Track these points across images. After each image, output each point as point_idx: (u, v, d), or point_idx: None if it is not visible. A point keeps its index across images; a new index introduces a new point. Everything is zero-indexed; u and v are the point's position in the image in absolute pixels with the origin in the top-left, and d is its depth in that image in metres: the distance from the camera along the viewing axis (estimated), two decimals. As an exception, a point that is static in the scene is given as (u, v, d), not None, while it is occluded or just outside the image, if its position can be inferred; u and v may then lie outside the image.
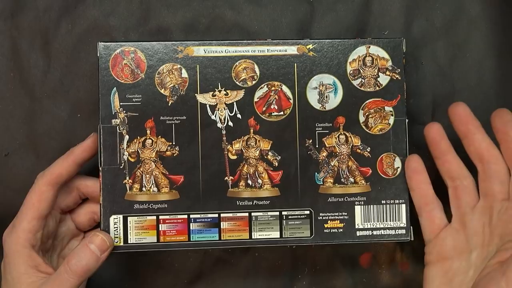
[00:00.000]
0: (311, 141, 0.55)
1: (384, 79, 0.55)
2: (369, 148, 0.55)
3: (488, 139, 0.52)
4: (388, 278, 0.60)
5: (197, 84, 0.54)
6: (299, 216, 0.55)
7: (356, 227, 0.55)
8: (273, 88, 0.55)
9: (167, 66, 0.54)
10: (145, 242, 0.54)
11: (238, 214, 0.54)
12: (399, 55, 0.55)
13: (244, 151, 0.54)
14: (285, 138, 0.54)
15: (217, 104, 0.54)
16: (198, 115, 0.54)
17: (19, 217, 0.51)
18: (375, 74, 0.55)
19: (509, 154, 0.50)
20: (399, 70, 0.55)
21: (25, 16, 0.58)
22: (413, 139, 0.58)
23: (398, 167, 0.55)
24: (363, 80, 0.55)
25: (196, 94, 0.54)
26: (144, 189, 0.54)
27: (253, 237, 0.54)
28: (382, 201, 0.55)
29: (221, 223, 0.54)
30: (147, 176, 0.54)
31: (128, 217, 0.53)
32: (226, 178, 0.54)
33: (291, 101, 0.55)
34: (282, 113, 0.55)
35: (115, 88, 0.53)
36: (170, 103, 0.54)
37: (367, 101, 0.55)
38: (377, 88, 0.55)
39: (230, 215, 0.54)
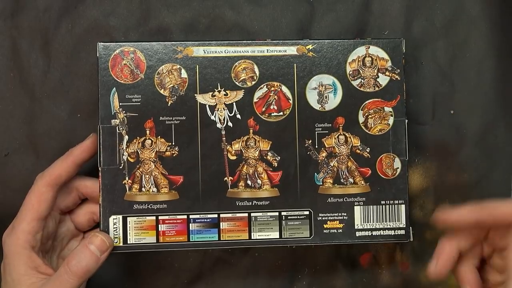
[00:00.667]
0: (310, 141, 0.55)
1: (383, 80, 0.55)
2: (368, 148, 0.55)
3: None
4: (388, 278, 0.60)
5: (196, 85, 0.54)
6: (298, 217, 0.55)
7: (356, 227, 0.55)
8: (272, 89, 0.55)
9: (167, 67, 0.54)
10: (145, 242, 0.54)
11: (238, 215, 0.54)
12: (398, 56, 0.55)
13: (243, 151, 0.54)
14: (284, 138, 0.54)
15: (216, 104, 0.54)
16: (197, 116, 0.54)
17: (18, 218, 0.51)
18: (375, 74, 0.55)
19: None
20: (399, 70, 0.55)
21: (25, 16, 0.58)
22: (412, 139, 0.58)
23: (398, 168, 0.55)
24: (362, 81, 0.55)
25: (195, 95, 0.54)
26: (143, 189, 0.54)
27: (252, 238, 0.54)
28: (382, 202, 0.55)
29: (221, 223, 0.54)
30: (147, 176, 0.54)
31: (128, 218, 0.54)
32: (226, 178, 0.54)
33: (291, 101, 0.55)
34: (281, 113, 0.55)
35: (114, 88, 0.53)
36: (169, 103, 0.54)
37: (366, 102, 0.55)
38: (377, 89, 0.55)
39: (230, 215, 0.54)
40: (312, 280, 0.60)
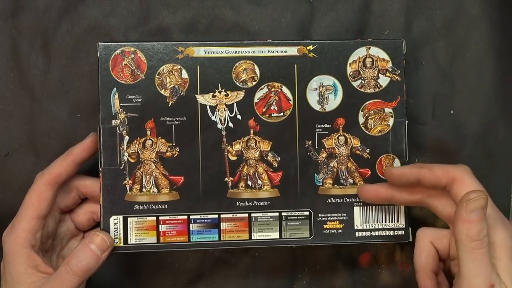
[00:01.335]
0: (310, 142, 0.55)
1: (384, 81, 0.55)
2: (368, 149, 0.55)
3: None
4: (387, 278, 0.60)
5: (197, 85, 0.54)
6: (298, 217, 0.55)
7: (355, 228, 0.55)
8: (273, 89, 0.55)
9: (167, 67, 0.54)
10: (145, 242, 0.54)
11: (238, 215, 0.54)
12: (399, 57, 0.55)
13: (244, 152, 0.55)
14: (285, 139, 0.55)
15: (217, 105, 0.54)
16: (198, 116, 0.54)
17: (18, 217, 0.52)
18: (375, 75, 0.55)
19: None
20: (399, 71, 0.55)
21: (25, 16, 0.58)
22: (412, 139, 0.58)
23: (398, 168, 0.55)
24: (363, 81, 0.55)
25: (196, 95, 0.54)
26: (144, 189, 0.54)
27: (252, 238, 0.54)
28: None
29: (221, 223, 0.54)
30: (147, 176, 0.54)
31: (128, 218, 0.54)
32: (226, 179, 0.54)
33: (291, 102, 0.55)
34: (282, 114, 0.55)
35: (115, 88, 0.53)
36: (170, 103, 0.54)
37: (366, 103, 0.55)
38: (377, 90, 0.55)
39: (230, 215, 0.54)
40: (312, 280, 0.60)
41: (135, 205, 0.54)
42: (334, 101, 0.55)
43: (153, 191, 0.54)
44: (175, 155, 0.54)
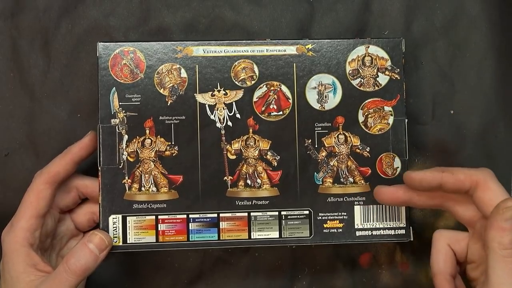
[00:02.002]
0: (310, 141, 0.55)
1: (383, 79, 0.55)
2: (368, 148, 0.55)
3: None
4: (388, 278, 0.60)
5: (196, 84, 0.54)
6: (298, 216, 0.55)
7: (356, 227, 0.55)
8: (272, 88, 0.55)
9: (166, 66, 0.54)
10: (144, 242, 0.54)
11: (237, 214, 0.54)
12: (398, 55, 0.55)
13: (243, 151, 0.54)
14: (284, 138, 0.54)
15: (216, 104, 0.54)
16: (197, 115, 0.54)
17: (17, 215, 0.52)
18: (374, 74, 0.55)
19: None
20: (398, 70, 0.55)
21: (25, 16, 0.58)
22: (412, 139, 0.58)
23: (398, 167, 0.55)
24: (362, 80, 0.55)
25: (195, 94, 0.54)
26: (143, 189, 0.54)
27: (252, 237, 0.54)
28: (386, 205, 0.55)
29: (220, 223, 0.54)
30: (146, 176, 0.54)
31: (127, 217, 0.54)
32: (225, 178, 0.54)
33: (290, 101, 0.55)
34: (281, 113, 0.55)
35: (114, 88, 0.54)
36: (169, 103, 0.54)
37: (366, 101, 0.55)
38: (376, 88, 0.55)
39: (229, 215, 0.54)
40: (312, 280, 0.60)
41: (134, 204, 0.54)
42: (333, 100, 0.55)
43: (152, 190, 0.54)
44: (174, 154, 0.54)
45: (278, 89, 0.54)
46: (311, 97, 0.55)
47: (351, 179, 0.55)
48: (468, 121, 0.60)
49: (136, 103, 0.54)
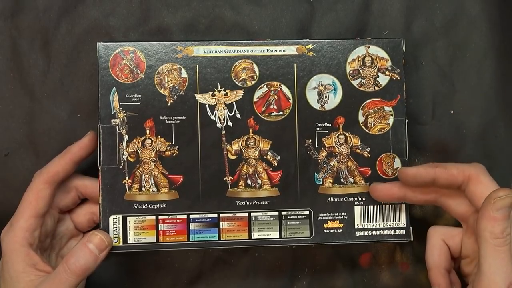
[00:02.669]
0: (310, 141, 0.55)
1: (383, 79, 0.55)
2: (368, 148, 0.55)
3: None
4: (388, 278, 0.60)
5: (196, 84, 0.54)
6: (298, 216, 0.55)
7: (356, 227, 0.55)
8: (272, 88, 0.55)
9: (167, 66, 0.54)
10: (144, 242, 0.54)
11: (238, 214, 0.54)
12: (398, 55, 0.55)
13: (243, 151, 0.54)
14: (284, 138, 0.54)
15: (216, 104, 0.54)
16: (197, 115, 0.54)
17: (16, 215, 0.52)
18: (375, 74, 0.55)
19: None
20: (399, 70, 0.55)
21: (25, 16, 0.58)
22: (412, 139, 0.58)
23: (398, 167, 0.55)
24: (362, 80, 0.55)
25: (195, 94, 0.54)
26: (143, 189, 0.54)
27: (252, 237, 0.54)
28: (382, 202, 0.55)
29: (221, 223, 0.54)
30: (147, 176, 0.54)
31: (128, 217, 0.53)
32: (226, 178, 0.54)
33: (291, 101, 0.55)
34: (281, 113, 0.55)
35: (114, 88, 0.53)
36: (169, 103, 0.54)
37: (366, 101, 0.55)
38: (377, 88, 0.55)
39: (230, 215, 0.54)
40: (312, 280, 0.60)
41: (134, 204, 0.54)
42: (333, 100, 0.55)
43: (152, 190, 0.54)
44: (174, 154, 0.54)
45: (279, 89, 0.54)
46: (312, 97, 0.55)
47: (351, 179, 0.55)
48: (468, 121, 0.60)
49: (137, 103, 0.54)
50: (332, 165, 0.55)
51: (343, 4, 0.60)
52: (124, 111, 0.53)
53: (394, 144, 0.55)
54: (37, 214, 0.51)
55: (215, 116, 0.54)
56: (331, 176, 0.55)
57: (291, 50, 0.55)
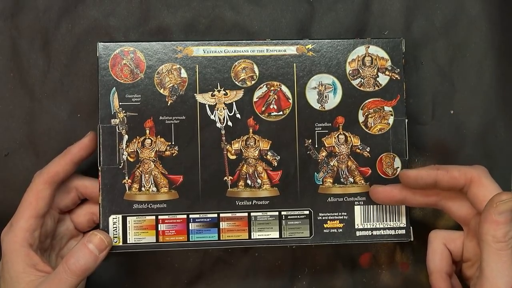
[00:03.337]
0: (310, 141, 0.55)
1: (383, 79, 0.55)
2: (368, 148, 0.55)
3: None
4: (388, 278, 0.60)
5: (196, 84, 0.54)
6: (298, 216, 0.55)
7: (356, 227, 0.55)
8: (272, 88, 0.55)
9: (166, 66, 0.54)
10: (144, 242, 0.54)
11: (238, 214, 0.54)
12: (398, 55, 0.55)
13: (243, 151, 0.54)
14: (284, 138, 0.54)
15: (216, 104, 0.54)
16: (197, 115, 0.54)
17: (16, 215, 0.52)
18: (375, 74, 0.55)
19: None
20: (399, 70, 0.55)
21: (25, 16, 0.58)
22: (412, 139, 0.58)
23: (398, 167, 0.55)
24: (362, 80, 0.55)
25: (195, 94, 0.54)
26: (143, 189, 0.54)
27: (252, 237, 0.54)
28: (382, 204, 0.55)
29: (221, 223, 0.54)
30: (146, 176, 0.54)
31: (127, 217, 0.53)
32: (226, 178, 0.54)
33: (290, 101, 0.55)
34: (281, 113, 0.55)
35: (114, 88, 0.53)
36: (169, 103, 0.54)
37: (366, 101, 0.55)
38: (377, 88, 0.55)
39: (230, 215, 0.54)
40: (312, 280, 0.60)
41: (134, 204, 0.54)
42: (333, 100, 0.55)
43: (152, 190, 0.54)
44: (174, 154, 0.54)
45: (278, 89, 0.54)
46: (311, 97, 0.55)
47: (351, 179, 0.55)
48: (468, 121, 0.60)
49: (136, 103, 0.54)
50: (332, 165, 0.55)
51: (343, 4, 0.60)
52: (124, 111, 0.53)
53: (394, 144, 0.55)
54: (37, 215, 0.51)
55: (215, 116, 0.54)
56: (331, 176, 0.55)
57: (291, 50, 0.55)
